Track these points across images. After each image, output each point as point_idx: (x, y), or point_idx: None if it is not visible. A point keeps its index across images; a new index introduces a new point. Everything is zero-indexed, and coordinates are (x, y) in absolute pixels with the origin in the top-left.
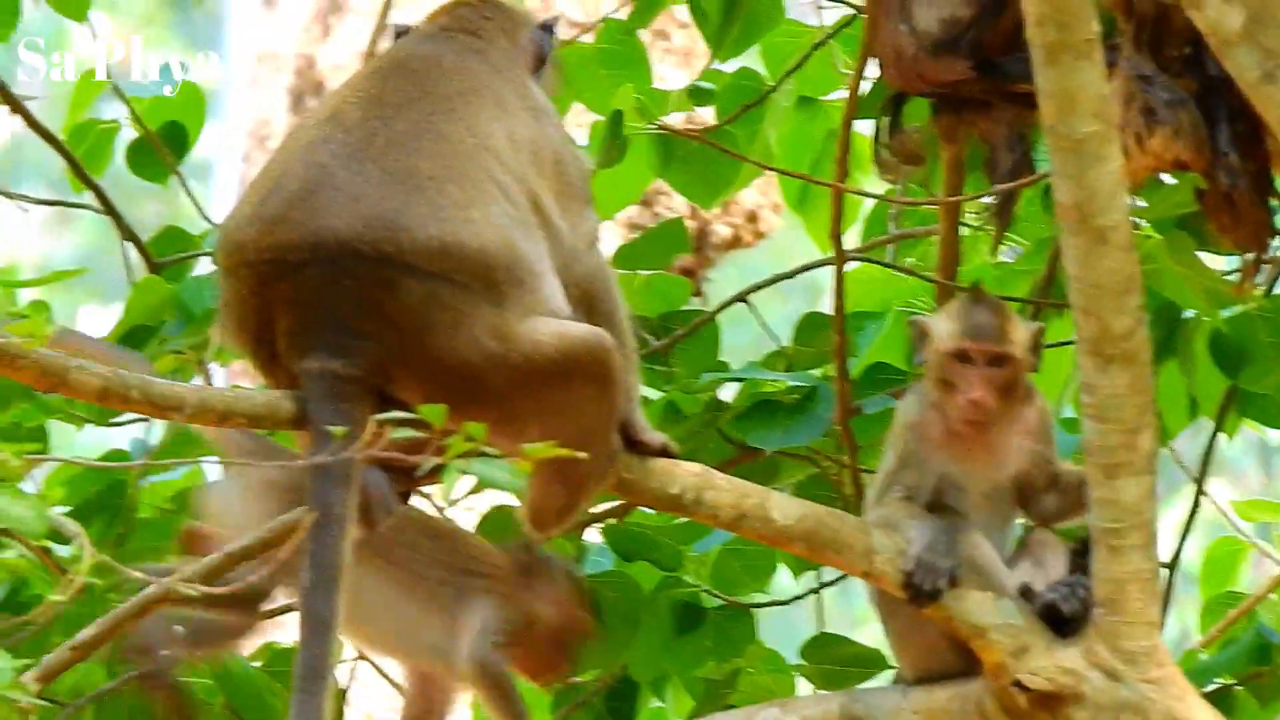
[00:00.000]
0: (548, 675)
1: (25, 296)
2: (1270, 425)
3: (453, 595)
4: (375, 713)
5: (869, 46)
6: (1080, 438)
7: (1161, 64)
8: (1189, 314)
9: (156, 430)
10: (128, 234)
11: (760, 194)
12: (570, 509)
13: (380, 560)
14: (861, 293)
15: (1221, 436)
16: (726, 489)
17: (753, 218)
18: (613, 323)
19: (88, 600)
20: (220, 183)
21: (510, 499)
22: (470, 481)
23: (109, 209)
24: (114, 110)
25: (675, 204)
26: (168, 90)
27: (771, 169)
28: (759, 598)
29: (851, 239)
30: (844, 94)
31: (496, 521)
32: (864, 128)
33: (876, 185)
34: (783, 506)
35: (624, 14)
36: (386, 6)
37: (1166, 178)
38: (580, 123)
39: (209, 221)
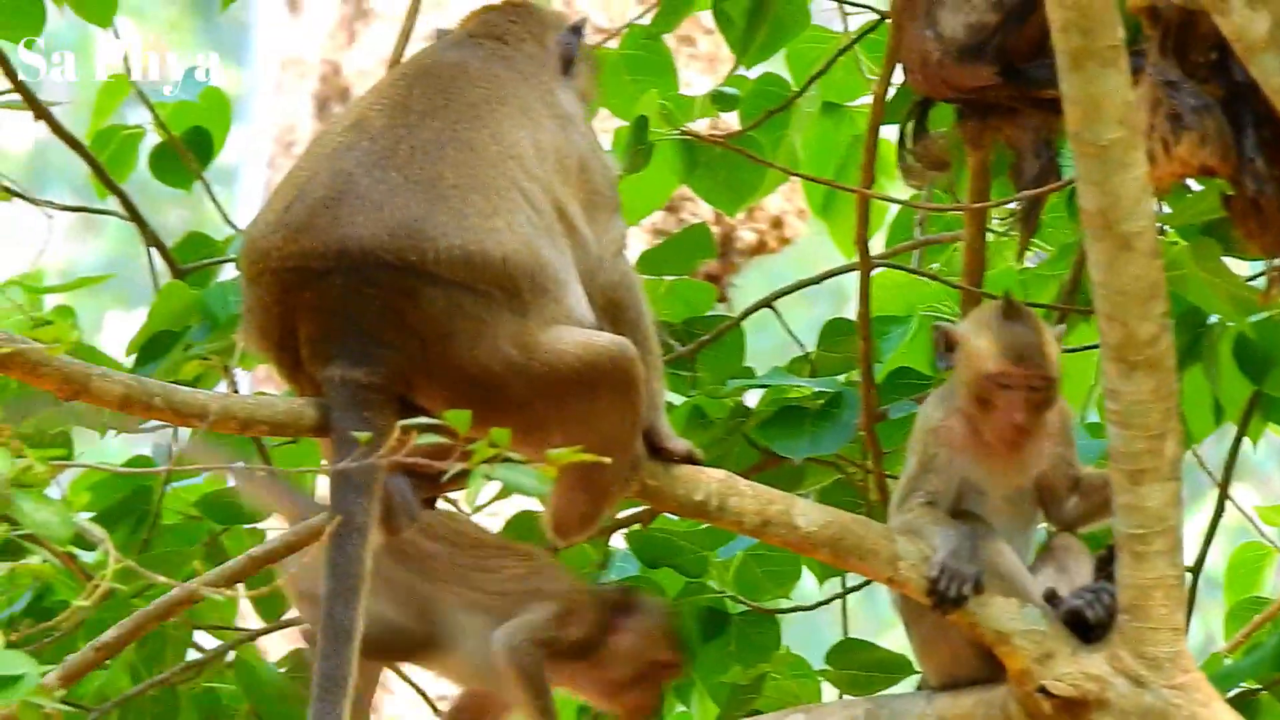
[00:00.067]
0: (638, 711)
1: (50, 302)
2: None
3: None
4: (404, 717)
5: (894, 52)
6: (1105, 443)
7: (1187, 70)
8: (1214, 319)
9: (182, 436)
10: (152, 240)
11: (785, 200)
12: (593, 516)
13: (455, 584)
14: (886, 298)
15: (1246, 441)
16: (751, 495)
17: (778, 223)
18: (637, 330)
19: (112, 606)
20: (245, 188)
21: (535, 505)
22: (495, 487)
23: (134, 215)
24: (138, 116)
25: (701, 209)
26: (192, 95)
27: (796, 175)
28: (783, 603)
29: (876, 244)
30: (869, 99)
31: (521, 527)
32: (889, 133)
33: (902, 191)
34: (807, 513)
35: (648, 19)
36: (412, 13)
37: (1193, 183)
38: (605, 128)
39: (233, 227)
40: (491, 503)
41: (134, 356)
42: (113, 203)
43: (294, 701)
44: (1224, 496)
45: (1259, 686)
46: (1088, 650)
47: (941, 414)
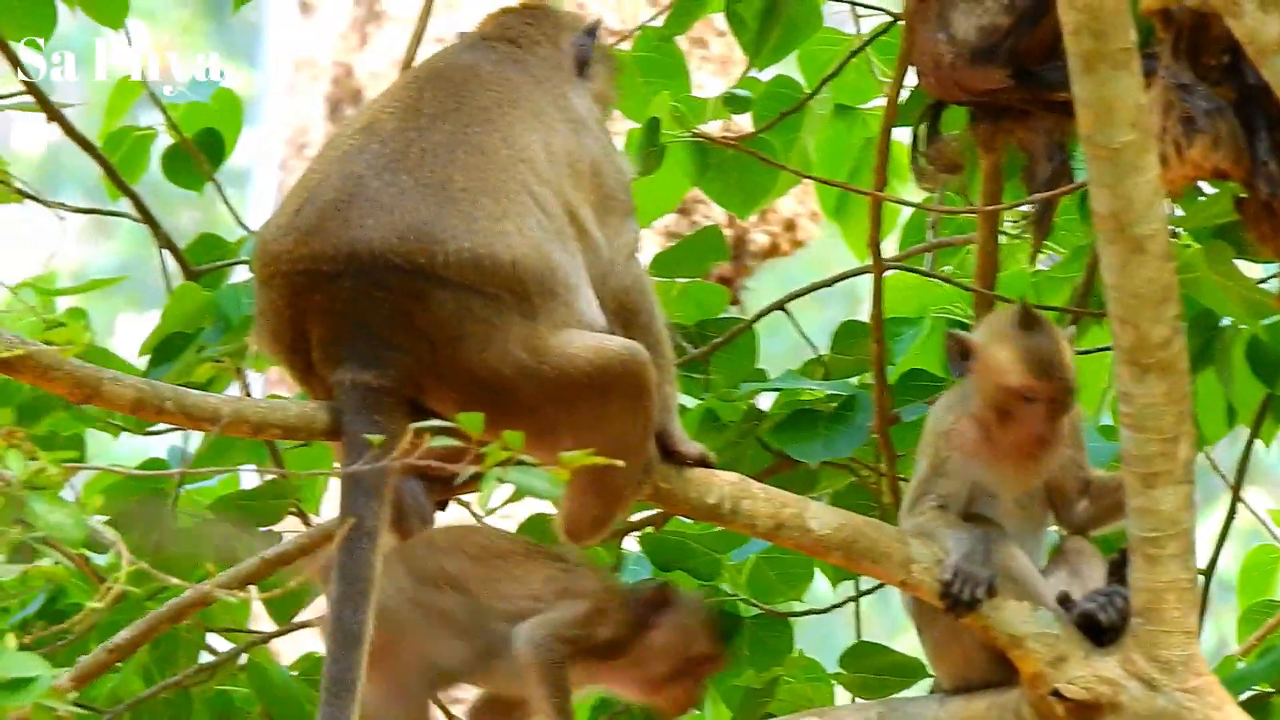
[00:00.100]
0: (680, 705)
1: (63, 304)
2: None
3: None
4: None
5: (907, 54)
6: (1118, 446)
7: (1200, 73)
8: (1226, 322)
9: (194, 439)
10: (165, 241)
11: (798, 202)
12: (605, 520)
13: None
14: (899, 300)
15: (1259, 444)
16: (764, 498)
17: (790, 226)
18: (650, 333)
19: (125, 608)
20: (257, 190)
21: (548, 507)
22: (507, 490)
23: (146, 217)
24: (150, 118)
25: (713, 212)
26: (203, 97)
27: (809, 177)
28: (796, 606)
29: (889, 247)
30: (882, 102)
31: (534, 530)
32: (902, 136)
33: (914, 193)
34: (820, 516)
35: (661, 21)
36: (424, 15)
37: (1205, 186)
38: (617, 130)
39: (246, 229)
40: (504, 506)
41: (147, 358)
42: (125, 204)
43: (306, 703)
44: (1237, 499)
45: (1272, 690)
46: (1101, 654)
47: (952, 417)
